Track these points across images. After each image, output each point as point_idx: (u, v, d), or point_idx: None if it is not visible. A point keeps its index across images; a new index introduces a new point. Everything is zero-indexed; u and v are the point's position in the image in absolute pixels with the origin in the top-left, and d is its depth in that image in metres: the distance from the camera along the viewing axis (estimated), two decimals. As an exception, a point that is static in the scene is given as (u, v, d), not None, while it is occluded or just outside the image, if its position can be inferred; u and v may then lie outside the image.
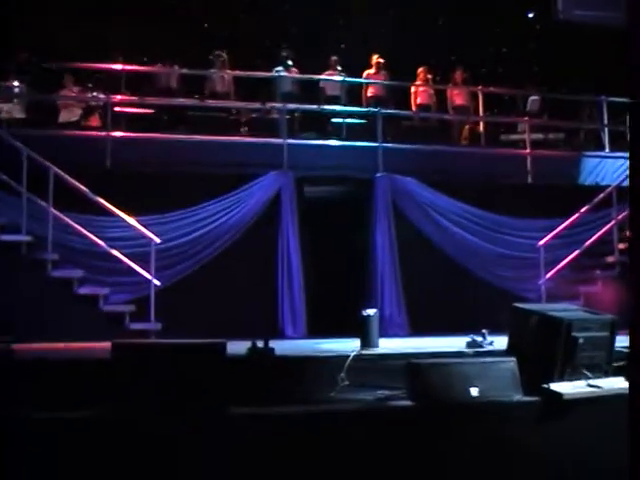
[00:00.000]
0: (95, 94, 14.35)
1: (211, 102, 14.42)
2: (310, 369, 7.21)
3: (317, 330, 11.87)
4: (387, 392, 6.85)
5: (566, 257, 12.90)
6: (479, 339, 8.09)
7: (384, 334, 8.62)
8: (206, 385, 6.17)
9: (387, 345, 8.38)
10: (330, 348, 8.43)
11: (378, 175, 13.10)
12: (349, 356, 7.11)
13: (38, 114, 14.21)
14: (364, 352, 7.64)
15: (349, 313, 10.39)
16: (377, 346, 8.11)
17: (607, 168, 14.99)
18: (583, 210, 13.19)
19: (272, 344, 7.35)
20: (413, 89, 16.10)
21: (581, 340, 6.93)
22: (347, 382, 6.97)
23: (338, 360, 7.17)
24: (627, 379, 4.77)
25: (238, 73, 15.26)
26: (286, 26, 17.61)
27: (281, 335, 11.71)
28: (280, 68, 15.10)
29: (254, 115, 14.61)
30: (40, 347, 9.09)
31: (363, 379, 7.10)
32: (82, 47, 15.41)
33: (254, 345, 7.16)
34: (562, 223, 12.99)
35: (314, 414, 6.37)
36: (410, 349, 8.05)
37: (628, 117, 4.88)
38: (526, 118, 15.92)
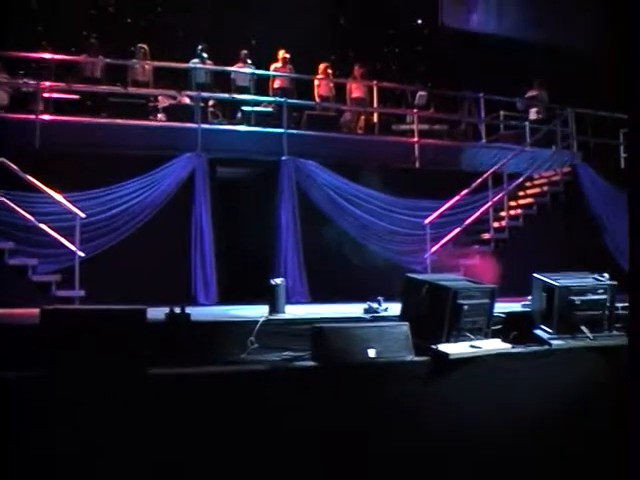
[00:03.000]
0: (26, 80, 13.85)
1: (132, 90, 14.12)
2: (222, 333, 7.05)
3: (227, 298, 11.75)
4: (293, 354, 6.74)
5: (448, 234, 13.00)
6: (375, 306, 8.03)
7: (287, 301, 8.48)
8: (127, 348, 5.96)
9: (292, 311, 8.25)
10: (241, 314, 8.27)
11: (283, 158, 13.03)
12: (258, 321, 6.97)
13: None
14: (272, 317, 7.50)
15: (256, 282, 10.31)
16: (284, 312, 7.99)
17: (484, 156, 15.15)
18: (463, 193, 13.34)
19: (187, 310, 7.15)
20: (316, 82, 15.99)
21: (465, 307, 6.94)
22: (256, 345, 6.84)
23: (248, 325, 7.03)
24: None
25: (157, 64, 15.00)
26: (201, 21, 17.31)
27: (194, 302, 11.53)
28: (196, 60, 14.92)
29: (171, 102, 14.30)
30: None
31: (271, 342, 6.97)
32: (14, 37, 14.91)
33: (172, 311, 6.96)
34: (445, 204, 13.08)
35: (226, 374, 6.23)
36: (313, 315, 7.93)
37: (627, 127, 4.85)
38: (415, 110, 15.97)
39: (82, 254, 11.07)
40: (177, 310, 6.98)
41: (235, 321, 7.37)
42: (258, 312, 7.92)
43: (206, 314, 8.40)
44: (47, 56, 14.04)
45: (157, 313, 6.88)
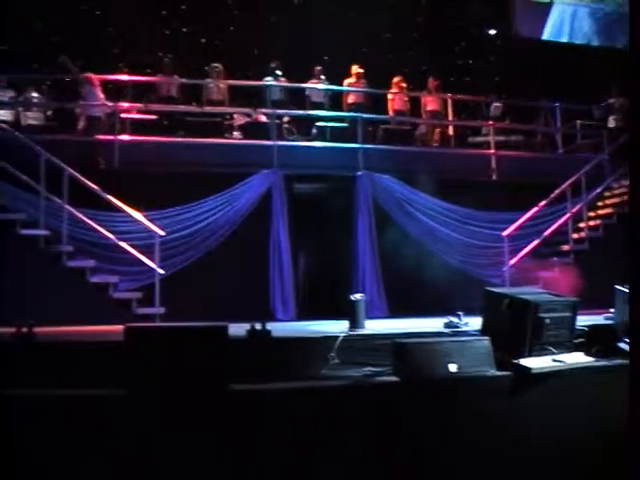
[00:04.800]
0: (104, 102, 14.17)
1: (208, 108, 14.32)
2: (303, 349, 7.10)
3: (305, 314, 11.80)
4: (374, 369, 6.76)
5: (527, 246, 12.85)
6: (455, 320, 8.00)
7: (366, 316, 8.48)
8: (209, 365, 6.05)
9: (372, 326, 8.26)
10: (320, 329, 8.31)
11: (359, 173, 13.06)
12: (339, 337, 7.00)
13: (59, 121, 14.15)
14: (352, 333, 7.53)
15: (334, 297, 10.34)
16: (364, 327, 8.01)
17: (561, 167, 14.94)
18: (541, 204, 13.17)
19: (268, 327, 7.22)
20: (390, 96, 15.99)
21: (547, 320, 6.90)
22: (337, 360, 6.87)
23: (328, 340, 7.07)
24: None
25: (232, 82, 15.18)
26: (275, 39, 17.47)
27: (273, 318, 11.60)
28: (270, 78, 15.01)
29: (246, 120, 14.45)
30: (58, 330, 8.95)
31: (351, 358, 7.00)
32: (93, 60, 15.28)
33: (252, 327, 7.04)
34: (523, 216, 12.94)
35: (308, 390, 6.27)
36: (394, 330, 7.93)
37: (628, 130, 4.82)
38: (490, 122, 15.86)
39: (162, 271, 11.26)
40: (258, 326, 7.05)
41: (315, 337, 7.41)
42: (338, 327, 7.95)
43: (286, 330, 8.46)
44: (124, 78, 14.32)
45: (237, 329, 6.95)
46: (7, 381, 6.52)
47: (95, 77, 13.24)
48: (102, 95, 13.31)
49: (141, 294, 11.39)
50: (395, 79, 16.08)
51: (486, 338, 6.76)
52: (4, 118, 13.66)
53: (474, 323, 7.69)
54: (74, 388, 6.19)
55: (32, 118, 14.10)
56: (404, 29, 19.19)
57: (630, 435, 4.69)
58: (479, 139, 16.20)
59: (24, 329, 7.41)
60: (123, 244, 11.25)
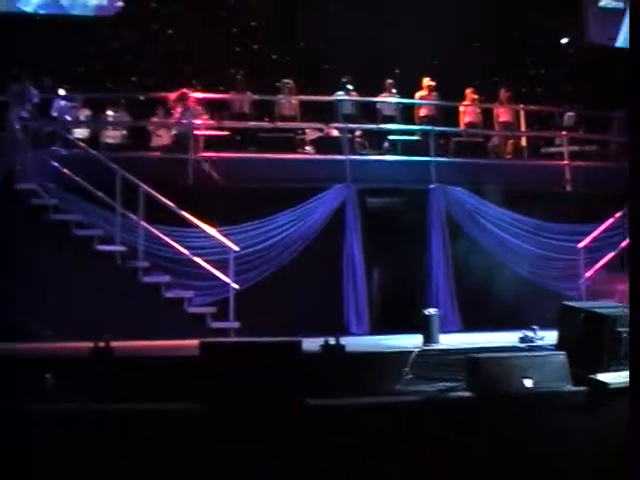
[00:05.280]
0: (178, 120, 14.42)
1: (280, 124, 14.43)
2: (377, 364, 7.12)
3: (379, 327, 11.79)
4: (448, 384, 6.74)
5: (603, 258, 12.65)
6: (531, 335, 7.93)
7: (440, 330, 8.46)
8: (284, 379, 6.10)
9: (446, 341, 8.23)
10: (394, 344, 8.33)
11: (432, 186, 12.99)
12: (413, 351, 7.00)
13: (135, 139, 14.46)
14: (426, 348, 7.52)
15: (408, 311, 10.32)
16: (438, 342, 7.99)
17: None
18: (617, 215, 12.93)
19: (342, 341, 7.25)
20: (461, 108, 15.91)
21: (625, 335, 6.77)
22: (411, 375, 6.87)
23: (402, 355, 7.08)
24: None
25: (303, 98, 15.25)
26: (345, 54, 17.53)
27: (346, 332, 11.60)
28: (341, 92, 15.04)
29: (318, 135, 14.52)
30: (134, 345, 9.12)
31: (425, 373, 6.99)
32: (166, 79, 15.56)
33: (327, 342, 7.08)
34: (598, 227, 12.74)
35: (383, 405, 6.28)
36: (468, 344, 7.90)
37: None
38: (563, 132, 15.68)
39: (236, 286, 11.38)
40: (332, 341, 7.09)
41: (389, 352, 7.43)
42: (411, 342, 7.96)
43: (360, 344, 8.49)
44: (197, 95, 14.51)
45: (311, 344, 6.99)
46: (85, 395, 6.68)
47: (192, 94, 13.49)
48: (199, 111, 13.51)
49: (215, 309, 11.50)
50: (467, 91, 16.00)
51: (562, 353, 6.72)
52: (81, 136, 14.00)
53: (549, 337, 7.61)
54: (150, 402, 6.30)
55: (109, 137, 14.41)
56: (475, 40, 19.08)
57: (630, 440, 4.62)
58: (552, 150, 16.00)
59: (101, 344, 7.57)
60: (198, 259, 11.41)
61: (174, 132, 13.87)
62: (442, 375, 6.94)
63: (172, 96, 13.69)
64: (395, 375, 6.88)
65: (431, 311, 8.28)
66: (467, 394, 6.41)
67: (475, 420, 6.19)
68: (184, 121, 13.54)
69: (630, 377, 4.76)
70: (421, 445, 6.04)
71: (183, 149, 12.99)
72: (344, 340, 7.30)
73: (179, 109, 13.68)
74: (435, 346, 7.79)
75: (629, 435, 4.62)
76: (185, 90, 13.62)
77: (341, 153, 13.25)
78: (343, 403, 6.23)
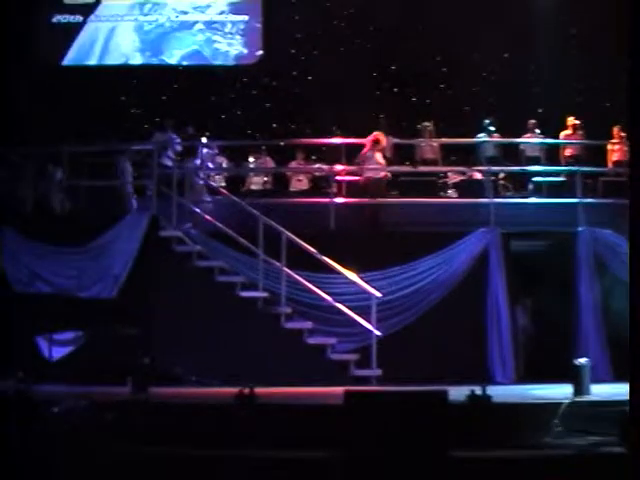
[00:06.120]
0: (319, 165, 14.66)
1: (421, 168, 14.43)
2: (525, 415, 7.00)
3: (525, 376, 11.57)
4: (600, 438, 6.55)
5: None
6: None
7: (591, 380, 8.24)
8: (429, 430, 6.06)
9: (597, 391, 8.01)
10: (542, 394, 8.16)
11: (580, 229, 12.68)
12: (563, 403, 6.85)
13: (276, 184, 14.80)
14: (577, 399, 7.34)
15: (555, 359, 10.09)
16: (589, 393, 7.79)
17: None
18: None
19: (488, 391, 7.17)
20: (609, 147, 15.54)
21: None
22: (561, 428, 6.71)
23: (551, 406, 6.93)
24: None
25: (444, 141, 15.24)
26: (486, 95, 17.48)
27: (491, 380, 11.43)
28: (483, 134, 14.96)
29: (461, 178, 14.46)
30: (277, 392, 9.24)
31: (575, 425, 6.82)
32: (308, 124, 15.86)
33: (473, 392, 7.01)
34: None
35: (530, 459, 6.16)
36: (621, 396, 7.65)
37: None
38: None
39: (378, 333, 11.42)
40: (478, 391, 7.02)
41: (538, 403, 7.29)
42: (560, 392, 7.79)
43: (507, 395, 8.35)
44: (337, 141, 14.71)
45: (457, 393, 6.93)
46: (229, 442, 6.81)
47: (383, 138, 13.70)
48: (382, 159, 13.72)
49: (358, 356, 11.56)
50: (614, 129, 15.65)
51: None
52: (224, 183, 14.41)
53: None
54: (294, 450, 6.37)
55: (253, 183, 14.76)
56: (620, 76, 18.72)
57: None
58: None
59: (246, 391, 7.71)
60: (340, 306, 11.53)
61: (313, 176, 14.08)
62: (593, 428, 6.75)
63: (367, 140, 13.78)
64: (544, 427, 6.74)
65: (582, 361, 8.08)
66: (620, 449, 6.20)
67: (628, 478, 5.97)
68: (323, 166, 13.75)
69: (630, 378, 4.55)
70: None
71: (324, 193, 13.19)
72: (490, 390, 7.21)
73: (369, 153, 13.74)
74: (586, 397, 7.60)
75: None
76: (378, 135, 13.75)
77: (484, 196, 13.13)
78: (490, 456, 6.14)
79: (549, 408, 6.88)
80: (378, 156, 13.50)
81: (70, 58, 18.41)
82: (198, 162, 14.42)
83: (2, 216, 12.69)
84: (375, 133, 13.79)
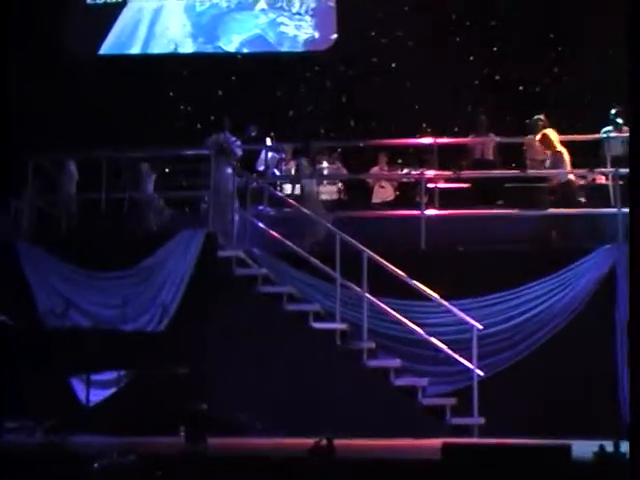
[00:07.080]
0: (407, 171, 14.55)
1: (531, 172, 14.12)
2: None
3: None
4: None
5: None
6: None
7: None
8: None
9: None
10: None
11: None
12: None
13: (352, 193, 14.73)
14: None
15: None
16: None
17: None
18: None
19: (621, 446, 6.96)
20: None
21: None
22: None
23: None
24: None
25: (560, 137, 14.95)
26: (610, 79, 17.16)
27: (625, 433, 11.13)
28: (609, 128, 14.60)
29: (581, 183, 14.18)
30: (359, 444, 9.15)
31: None
32: (394, 122, 15.76)
33: (602, 448, 6.80)
34: None
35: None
36: None
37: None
38: None
39: (481, 372, 11.29)
40: (609, 447, 6.82)
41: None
42: None
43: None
44: (428, 141, 14.60)
45: (581, 449, 6.76)
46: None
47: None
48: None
49: (455, 400, 11.40)
50: None
51: None
52: (289, 192, 14.34)
53: None
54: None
55: (324, 192, 14.66)
56: None
57: None
58: None
59: (322, 442, 7.61)
60: (433, 339, 11.41)
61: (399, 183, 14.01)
62: None
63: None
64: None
65: None
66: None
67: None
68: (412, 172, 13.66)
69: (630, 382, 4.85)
70: None
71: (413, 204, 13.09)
72: (624, 445, 7.00)
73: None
74: None
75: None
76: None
77: (610, 205, 12.90)
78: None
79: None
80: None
81: (108, 45, 18.58)
82: (261, 168, 14.47)
83: (36, 234, 12.82)
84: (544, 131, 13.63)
